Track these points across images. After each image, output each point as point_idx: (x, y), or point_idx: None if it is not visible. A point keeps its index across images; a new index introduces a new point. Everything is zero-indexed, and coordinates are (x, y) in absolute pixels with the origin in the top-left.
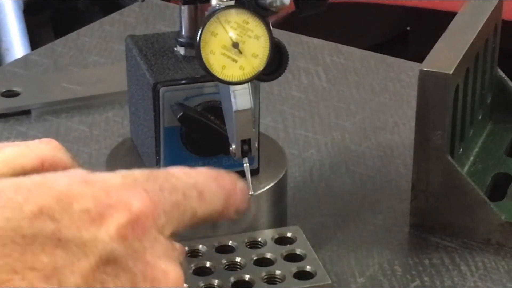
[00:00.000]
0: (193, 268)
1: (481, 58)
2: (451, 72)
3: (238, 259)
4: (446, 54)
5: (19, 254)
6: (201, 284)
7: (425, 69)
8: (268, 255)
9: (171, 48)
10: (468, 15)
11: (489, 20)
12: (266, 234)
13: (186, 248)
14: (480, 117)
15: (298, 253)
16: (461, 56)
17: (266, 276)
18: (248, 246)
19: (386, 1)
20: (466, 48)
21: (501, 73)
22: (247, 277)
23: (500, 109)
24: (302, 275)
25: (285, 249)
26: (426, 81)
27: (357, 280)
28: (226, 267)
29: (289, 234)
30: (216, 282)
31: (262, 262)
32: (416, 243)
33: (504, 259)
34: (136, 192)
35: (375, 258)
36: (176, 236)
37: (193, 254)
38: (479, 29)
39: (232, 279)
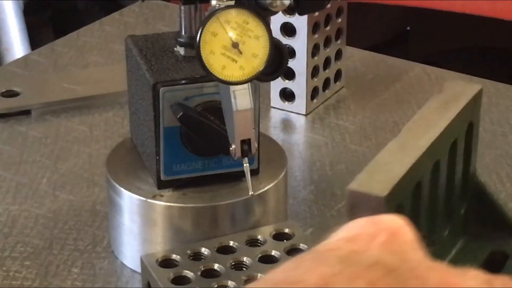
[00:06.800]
0: (201, 270)
1: (444, 165)
2: (384, 194)
3: (243, 259)
4: (387, 167)
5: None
6: (215, 285)
7: (354, 189)
8: (272, 252)
9: (171, 48)
10: (434, 109)
11: (460, 117)
12: (264, 231)
13: (188, 251)
14: (446, 233)
15: (300, 247)
16: (406, 171)
17: None
18: (249, 245)
19: (386, 1)
20: (417, 157)
21: (480, 179)
22: (258, 275)
23: (476, 220)
24: None
25: (286, 245)
26: (356, 203)
27: None
28: (233, 267)
29: (286, 230)
30: (229, 283)
31: (267, 259)
32: None
33: None
34: None
35: None
36: (178, 237)
37: (196, 257)
38: (441, 130)
39: (243, 278)
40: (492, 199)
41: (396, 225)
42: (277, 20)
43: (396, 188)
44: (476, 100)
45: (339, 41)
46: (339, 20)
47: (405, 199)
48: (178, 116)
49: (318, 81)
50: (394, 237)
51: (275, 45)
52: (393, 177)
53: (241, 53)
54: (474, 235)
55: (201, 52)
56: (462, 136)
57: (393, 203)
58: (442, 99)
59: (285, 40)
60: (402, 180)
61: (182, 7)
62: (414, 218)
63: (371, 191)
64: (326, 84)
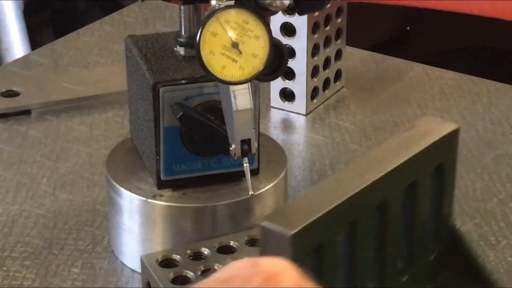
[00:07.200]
0: (201, 270)
1: (394, 207)
2: (291, 233)
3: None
4: (309, 204)
5: None
6: None
7: (263, 224)
8: None
9: (171, 48)
10: (394, 146)
11: (422, 157)
12: None
13: (188, 251)
14: (404, 279)
15: None
16: (328, 209)
17: None
18: (249, 245)
19: (386, 1)
20: (348, 196)
21: (455, 223)
22: None
23: (449, 268)
24: None
25: None
26: (266, 240)
27: None
28: None
29: None
30: None
31: None
32: None
33: None
34: None
35: None
36: (178, 237)
37: (196, 257)
38: (389, 170)
39: None
40: (468, 247)
41: (275, 269)
42: (277, 20)
43: (311, 227)
44: (450, 141)
45: (339, 41)
46: (339, 20)
47: (330, 240)
48: (178, 116)
49: (318, 81)
50: (270, 282)
51: (275, 45)
52: (309, 215)
53: (241, 53)
54: (443, 284)
55: (201, 52)
56: (427, 178)
57: (307, 243)
58: (407, 135)
59: (285, 40)
60: (323, 219)
61: (182, 7)
62: (349, 262)
63: (279, 228)
64: (326, 84)
